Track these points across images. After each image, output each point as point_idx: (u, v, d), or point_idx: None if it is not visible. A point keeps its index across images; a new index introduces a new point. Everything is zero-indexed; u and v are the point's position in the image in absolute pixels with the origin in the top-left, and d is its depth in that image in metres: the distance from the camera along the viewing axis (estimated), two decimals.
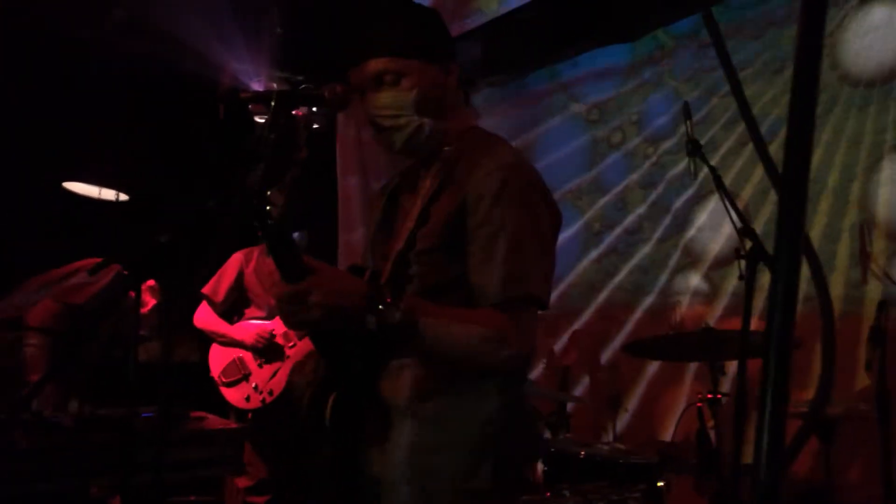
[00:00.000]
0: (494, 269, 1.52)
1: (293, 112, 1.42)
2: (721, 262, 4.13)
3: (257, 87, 5.51)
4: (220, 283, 4.07)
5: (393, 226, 1.71)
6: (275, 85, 5.61)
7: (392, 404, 1.56)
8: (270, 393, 3.92)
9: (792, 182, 0.57)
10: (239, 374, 3.98)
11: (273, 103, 1.46)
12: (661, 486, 2.94)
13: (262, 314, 4.05)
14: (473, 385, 1.57)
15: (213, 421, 3.86)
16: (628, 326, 4.51)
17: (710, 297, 4.15)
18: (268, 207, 1.32)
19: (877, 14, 3.75)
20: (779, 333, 0.54)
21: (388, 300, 1.41)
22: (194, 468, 3.16)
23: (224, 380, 3.99)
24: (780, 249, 0.56)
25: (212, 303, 4.06)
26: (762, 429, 0.54)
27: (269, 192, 1.33)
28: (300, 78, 5.48)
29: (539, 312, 1.58)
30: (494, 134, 1.77)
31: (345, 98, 1.58)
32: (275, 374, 3.93)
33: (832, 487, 2.85)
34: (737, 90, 0.68)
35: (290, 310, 1.41)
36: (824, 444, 2.93)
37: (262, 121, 4.90)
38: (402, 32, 1.64)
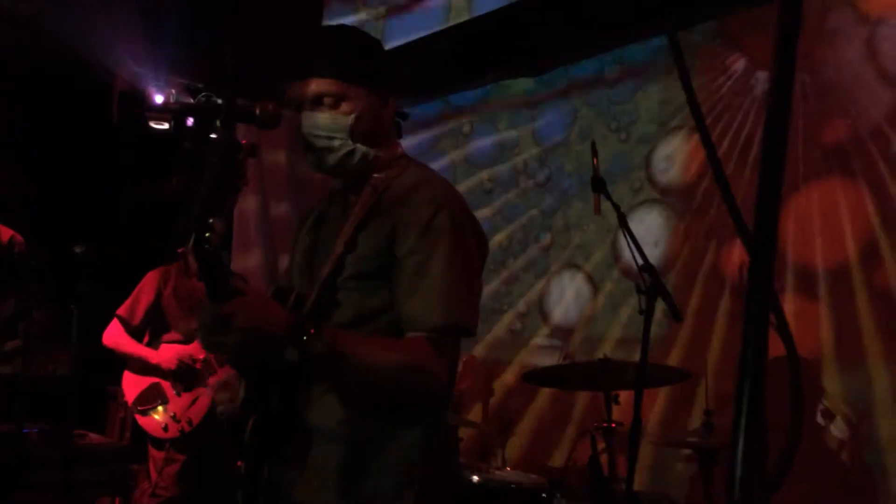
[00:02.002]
0: (423, 299, 1.54)
1: (241, 141, 1.39)
2: (617, 296, 4.29)
3: (155, 91, 5.34)
4: (137, 304, 3.89)
5: (320, 249, 1.70)
6: (174, 91, 5.45)
7: (318, 427, 1.54)
8: (189, 422, 3.73)
9: (764, 230, 0.61)
10: (156, 402, 3.77)
11: (209, 116, 1.43)
12: None
13: (180, 337, 3.87)
14: (400, 413, 1.58)
15: (95, 438, 3.68)
16: (522, 353, 4.62)
17: (605, 328, 4.30)
18: (207, 234, 1.29)
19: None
20: (751, 373, 0.58)
21: (312, 331, 1.41)
22: (75, 489, 3.01)
23: (140, 408, 3.77)
24: (752, 291, 0.60)
25: (127, 326, 3.86)
26: (734, 464, 0.57)
27: (210, 220, 1.30)
28: (200, 86, 5.35)
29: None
30: (424, 164, 1.80)
31: (276, 116, 1.57)
32: (194, 401, 3.76)
33: None
34: (700, 124, 0.72)
35: (210, 330, 1.39)
36: (705, 472, 3.08)
37: (161, 127, 4.71)
38: (351, 57, 1.65)
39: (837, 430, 3.48)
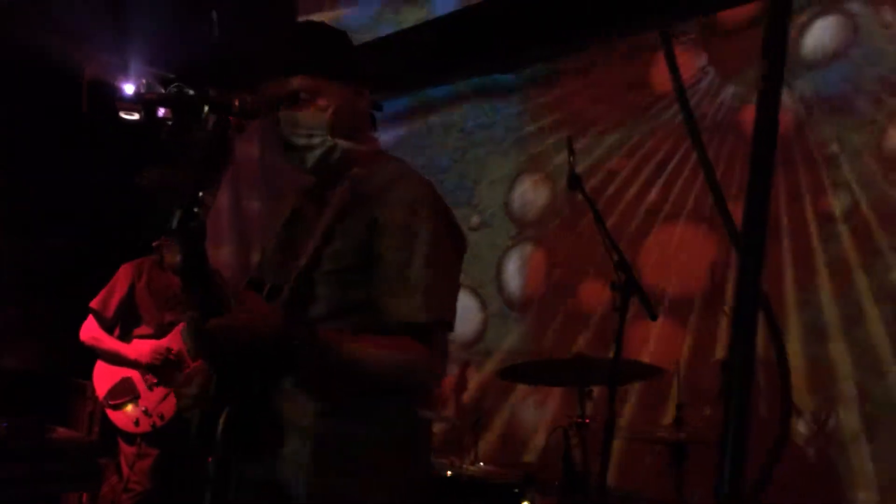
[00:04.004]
0: (408, 295, 1.54)
1: (229, 117, 1.39)
2: (592, 292, 4.31)
3: (125, 81, 5.26)
4: (111, 297, 3.82)
5: (295, 244, 1.69)
6: (144, 81, 5.38)
7: (291, 423, 1.53)
8: (161, 417, 3.70)
9: (751, 231, 0.62)
10: (127, 397, 3.72)
11: (187, 108, 1.41)
12: None
13: (151, 332, 3.82)
14: (375, 408, 1.57)
15: (63, 433, 3.63)
16: (499, 351, 4.62)
17: (581, 324, 4.32)
18: (196, 209, 1.28)
19: None
20: (739, 373, 0.59)
21: (305, 335, 1.42)
22: (42, 483, 2.97)
23: (111, 402, 3.71)
24: (741, 290, 0.61)
25: (101, 318, 3.80)
26: (723, 462, 0.58)
27: (201, 194, 1.29)
28: (172, 76, 5.28)
29: None
30: (401, 158, 1.80)
31: (254, 109, 1.55)
32: (167, 396, 3.71)
33: None
34: (691, 124, 0.72)
35: (200, 347, 1.41)
36: (676, 467, 3.11)
37: (131, 118, 4.63)
38: (324, 53, 1.65)
39: (803, 426, 3.54)
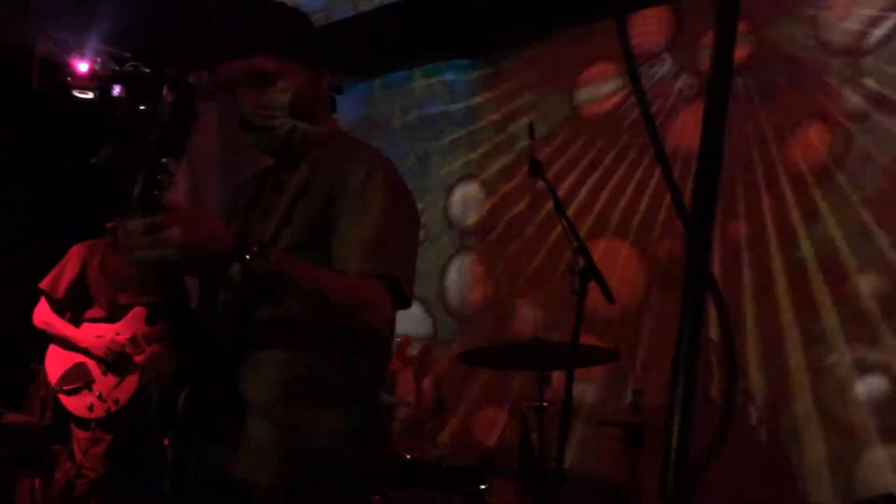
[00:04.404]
0: (358, 253, 1.50)
1: (190, 81, 1.35)
2: (547, 276, 4.35)
3: (78, 59, 5.14)
4: (61, 277, 3.73)
5: (254, 225, 1.67)
6: (99, 59, 5.25)
7: (251, 402, 1.51)
8: (116, 402, 3.62)
9: (700, 217, 0.63)
10: (81, 382, 3.63)
11: (141, 85, 1.38)
12: (483, 489, 3.05)
13: (103, 314, 3.74)
14: (334, 389, 1.56)
15: (14, 417, 3.56)
16: (457, 333, 4.64)
17: (538, 308, 4.36)
18: (159, 177, 1.24)
19: None
20: (685, 358, 0.59)
21: (256, 249, 1.31)
22: None
23: (64, 387, 3.63)
24: (689, 277, 0.62)
25: (50, 299, 3.71)
26: (669, 445, 0.59)
27: (164, 160, 1.25)
28: (128, 55, 5.17)
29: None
30: (361, 139, 1.79)
31: (210, 89, 1.53)
32: (121, 381, 3.64)
33: (638, 489, 3.08)
34: (644, 108, 0.73)
35: (142, 243, 1.24)
36: (632, 450, 3.16)
37: (85, 97, 4.54)
38: (284, 34, 1.63)
39: (756, 408, 3.62)
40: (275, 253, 1.36)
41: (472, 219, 4.71)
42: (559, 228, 2.78)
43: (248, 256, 1.30)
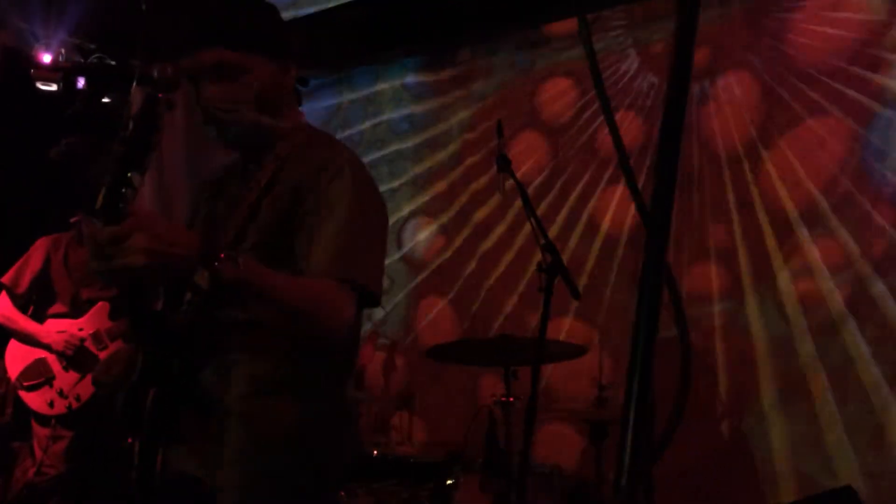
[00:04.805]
0: (320, 255, 1.50)
1: (158, 94, 1.33)
2: (514, 274, 4.37)
3: (42, 50, 5.04)
4: (23, 272, 3.67)
5: (219, 221, 1.66)
6: (63, 51, 5.16)
7: (217, 402, 1.51)
8: (77, 398, 3.58)
9: (658, 206, 0.64)
10: (41, 378, 3.58)
11: (103, 77, 1.37)
12: (449, 484, 3.06)
13: (66, 310, 3.69)
14: (300, 385, 1.56)
15: None
16: (425, 328, 4.65)
17: (504, 304, 4.38)
18: (124, 189, 1.22)
19: None
20: (642, 350, 0.61)
21: (222, 256, 1.31)
22: None
23: (24, 383, 3.57)
24: (646, 272, 0.63)
25: (11, 294, 3.65)
26: (624, 438, 0.60)
27: (129, 174, 1.23)
28: (93, 46, 5.09)
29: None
30: (325, 132, 1.79)
31: (174, 81, 1.51)
32: (82, 378, 3.59)
33: (602, 483, 3.12)
34: (606, 110, 0.74)
35: (107, 253, 1.23)
36: (596, 445, 3.19)
37: (48, 89, 4.45)
38: (250, 26, 1.62)
39: (720, 402, 3.67)
40: (242, 258, 1.36)
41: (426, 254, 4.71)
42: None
43: (216, 263, 1.30)
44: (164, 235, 1.26)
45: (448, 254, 4.69)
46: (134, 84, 1.36)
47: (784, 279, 3.60)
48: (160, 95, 1.32)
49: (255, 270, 1.37)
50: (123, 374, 1.50)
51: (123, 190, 1.22)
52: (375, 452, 3.38)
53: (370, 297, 1.55)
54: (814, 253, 3.56)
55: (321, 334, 1.49)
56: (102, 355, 3.62)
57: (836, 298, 3.48)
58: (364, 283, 1.51)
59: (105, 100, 1.62)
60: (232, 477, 1.49)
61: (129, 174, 1.23)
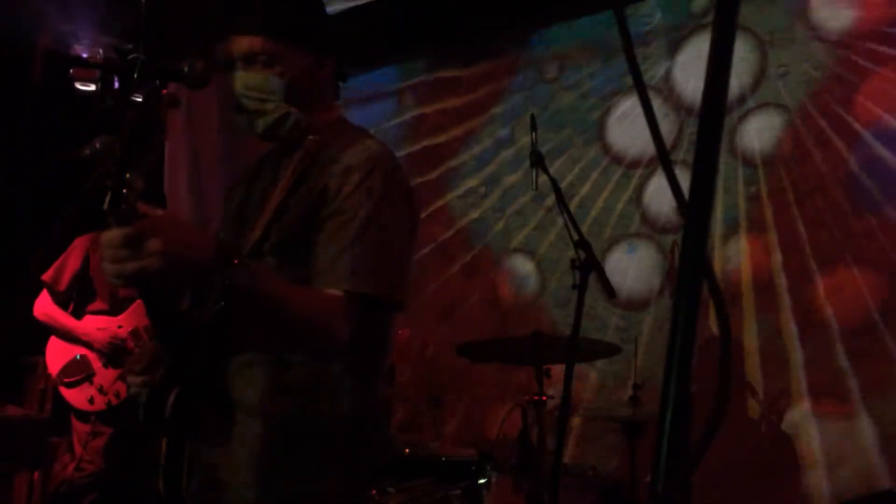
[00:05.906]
0: (334, 264, 1.47)
1: (161, 90, 1.32)
2: (550, 269, 4.33)
3: (81, 50, 5.10)
4: (63, 270, 3.72)
5: (250, 215, 1.64)
6: (101, 51, 5.22)
7: (240, 402, 1.49)
8: (117, 395, 3.62)
9: (698, 203, 0.61)
10: (81, 374, 3.64)
11: (133, 75, 1.36)
12: (481, 483, 3.04)
13: (106, 307, 3.73)
14: (325, 385, 1.54)
15: (12, 410, 3.56)
16: (455, 325, 4.63)
17: (538, 301, 4.34)
18: (124, 191, 1.20)
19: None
20: (681, 348, 0.58)
21: (236, 261, 1.29)
22: None
23: (65, 379, 3.63)
24: (685, 264, 0.60)
25: (53, 292, 3.70)
26: (661, 442, 0.57)
27: (128, 175, 1.21)
28: (130, 46, 5.13)
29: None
30: (360, 126, 1.75)
31: (205, 76, 1.50)
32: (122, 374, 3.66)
33: (637, 484, 3.07)
34: (644, 100, 0.71)
35: (121, 256, 1.20)
36: (631, 444, 3.14)
37: (87, 89, 4.49)
38: (286, 16, 1.58)
39: (756, 405, 3.60)
40: (254, 264, 1.35)
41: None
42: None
43: (230, 267, 1.28)
44: (179, 236, 1.24)
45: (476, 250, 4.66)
46: (158, 84, 1.34)
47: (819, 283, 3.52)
48: (163, 93, 1.31)
49: (263, 278, 1.36)
50: (147, 373, 1.48)
51: (123, 192, 1.19)
52: (407, 451, 3.36)
53: (391, 305, 1.52)
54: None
55: (309, 350, 1.51)
56: None
57: (869, 304, 3.40)
58: (378, 294, 1.48)
59: (137, 98, 1.62)
60: (254, 477, 1.48)
61: (126, 175, 1.19)
